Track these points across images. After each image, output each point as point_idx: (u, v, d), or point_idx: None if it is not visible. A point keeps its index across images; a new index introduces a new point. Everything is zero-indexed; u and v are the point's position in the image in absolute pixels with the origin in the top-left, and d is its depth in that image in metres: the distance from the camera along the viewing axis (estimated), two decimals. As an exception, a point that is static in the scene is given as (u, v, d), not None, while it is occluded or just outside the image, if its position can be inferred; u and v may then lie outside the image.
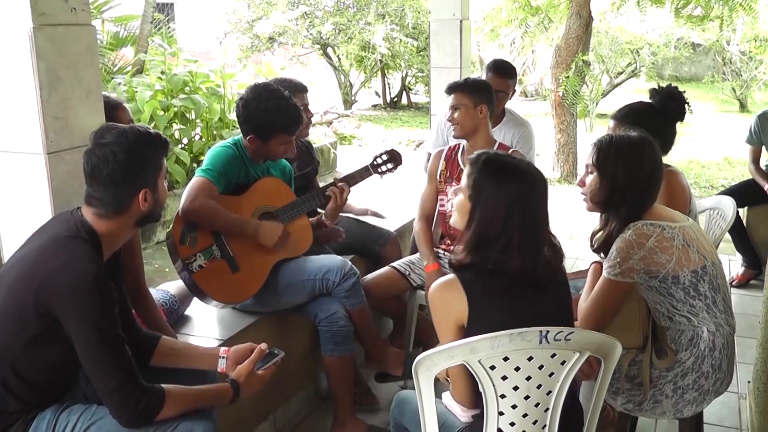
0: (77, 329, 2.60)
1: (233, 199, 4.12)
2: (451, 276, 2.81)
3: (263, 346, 3.12)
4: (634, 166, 3.19)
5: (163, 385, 2.74)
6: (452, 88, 4.60)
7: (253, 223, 4.09)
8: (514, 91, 5.73)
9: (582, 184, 3.39)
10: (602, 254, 3.33)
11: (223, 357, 3.14)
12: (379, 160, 4.68)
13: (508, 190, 2.75)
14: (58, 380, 2.81)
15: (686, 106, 4.02)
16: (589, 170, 3.32)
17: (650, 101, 4.06)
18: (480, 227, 2.80)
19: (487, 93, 4.62)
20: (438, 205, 4.83)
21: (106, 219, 2.82)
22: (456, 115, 4.55)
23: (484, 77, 5.53)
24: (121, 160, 2.75)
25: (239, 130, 4.26)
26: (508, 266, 2.73)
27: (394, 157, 4.71)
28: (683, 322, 3.17)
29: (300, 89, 4.80)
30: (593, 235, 3.40)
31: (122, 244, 2.98)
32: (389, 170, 4.72)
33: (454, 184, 4.67)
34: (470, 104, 4.52)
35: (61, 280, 2.61)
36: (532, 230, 2.76)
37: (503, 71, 5.62)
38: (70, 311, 2.60)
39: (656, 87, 4.11)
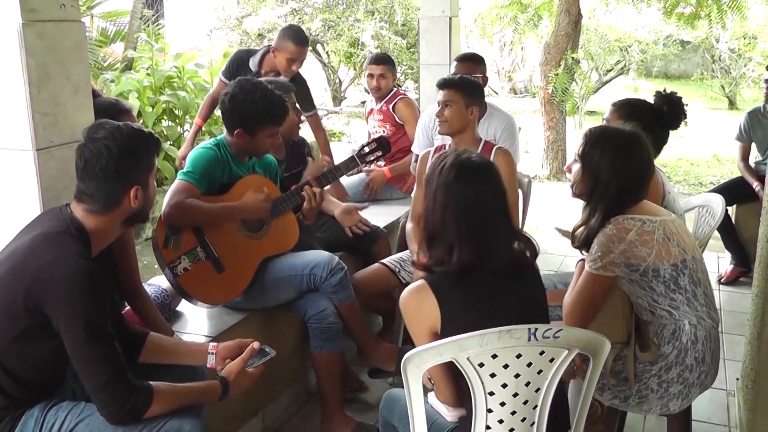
0: (67, 325, 2.60)
1: (216, 198, 4.11)
2: (420, 282, 2.82)
3: (255, 344, 3.12)
4: (619, 164, 3.20)
5: (151, 383, 2.74)
6: (446, 84, 4.51)
7: (235, 204, 4.09)
8: (486, 78, 5.75)
9: (569, 170, 3.42)
10: (584, 251, 3.35)
11: (212, 353, 3.14)
12: (367, 149, 4.64)
13: (443, 189, 2.79)
14: (46, 377, 2.81)
15: (683, 116, 4.03)
16: (575, 159, 3.34)
17: (651, 103, 4.07)
18: (424, 225, 2.87)
19: (480, 95, 4.60)
20: None
21: (96, 215, 2.81)
22: (446, 111, 4.47)
23: (452, 70, 5.61)
24: (114, 155, 2.75)
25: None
26: (453, 265, 2.76)
27: (383, 145, 4.66)
28: (665, 316, 3.19)
29: (287, 89, 4.78)
30: (574, 230, 3.41)
31: (111, 241, 2.98)
32: (377, 159, 4.71)
33: None
34: (462, 103, 4.45)
35: (52, 275, 2.60)
36: (470, 227, 2.76)
37: (466, 57, 5.80)
38: (61, 307, 2.59)
39: (661, 91, 4.12)
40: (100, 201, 2.81)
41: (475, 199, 2.77)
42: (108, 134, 2.77)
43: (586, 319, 3.23)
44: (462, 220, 2.76)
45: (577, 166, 3.32)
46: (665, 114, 3.99)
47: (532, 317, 2.68)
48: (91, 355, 2.61)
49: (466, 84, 4.54)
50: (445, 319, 2.73)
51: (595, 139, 3.27)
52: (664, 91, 4.12)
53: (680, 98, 4.05)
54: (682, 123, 4.07)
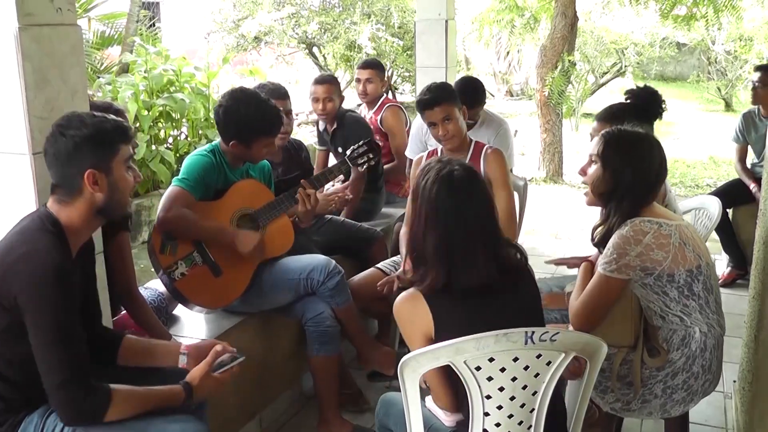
0: (33, 319, 2.57)
1: (211, 204, 4.11)
2: (413, 289, 2.80)
3: (218, 347, 3.08)
4: (640, 162, 3.20)
5: (111, 385, 2.68)
6: (437, 101, 4.38)
7: (229, 232, 4.06)
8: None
9: (583, 173, 3.38)
10: (601, 249, 3.32)
11: (184, 353, 3.12)
12: (358, 151, 4.63)
13: (426, 205, 2.77)
14: (35, 376, 2.76)
15: (662, 104, 4.05)
16: (593, 160, 3.30)
17: (627, 102, 4.08)
18: (409, 241, 2.88)
19: (456, 93, 4.57)
20: None
21: (66, 205, 2.76)
22: (449, 127, 4.40)
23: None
24: (65, 140, 2.70)
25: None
26: (434, 282, 2.74)
27: (373, 148, 4.66)
28: (675, 322, 3.18)
29: (282, 95, 4.80)
30: (594, 229, 3.38)
31: (89, 235, 2.92)
32: (368, 161, 4.68)
33: None
34: (457, 110, 4.43)
35: (22, 269, 2.58)
36: (452, 246, 2.73)
37: (474, 100, 5.58)
38: (29, 301, 2.56)
39: (632, 89, 4.14)
40: (62, 187, 2.76)
41: (457, 216, 2.73)
42: (66, 122, 2.74)
43: (594, 321, 3.20)
44: (444, 238, 2.73)
45: (594, 167, 3.29)
46: (648, 107, 4.01)
47: (527, 322, 2.66)
48: (53, 353, 2.58)
49: (450, 90, 4.51)
50: (439, 326, 2.72)
51: (615, 140, 3.24)
52: (636, 87, 4.14)
53: (653, 88, 4.10)
54: (663, 109, 4.10)
